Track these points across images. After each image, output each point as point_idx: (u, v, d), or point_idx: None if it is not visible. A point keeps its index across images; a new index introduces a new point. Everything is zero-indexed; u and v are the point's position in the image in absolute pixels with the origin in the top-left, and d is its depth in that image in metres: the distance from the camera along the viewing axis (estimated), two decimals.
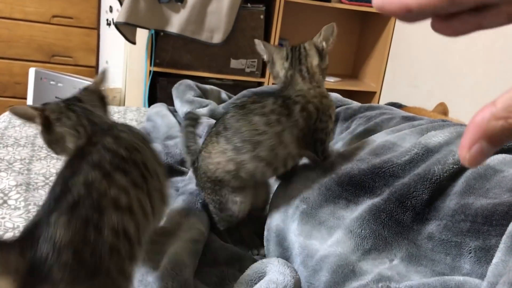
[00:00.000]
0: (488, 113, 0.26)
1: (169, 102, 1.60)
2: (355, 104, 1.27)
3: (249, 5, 2.48)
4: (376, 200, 0.77)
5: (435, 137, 0.84)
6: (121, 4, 2.27)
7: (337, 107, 1.25)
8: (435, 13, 0.29)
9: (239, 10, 2.38)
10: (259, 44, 0.93)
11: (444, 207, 0.73)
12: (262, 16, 2.51)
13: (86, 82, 2.62)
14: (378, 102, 2.84)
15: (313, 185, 0.84)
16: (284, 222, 0.83)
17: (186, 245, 0.76)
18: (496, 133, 0.26)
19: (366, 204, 0.77)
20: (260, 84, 2.64)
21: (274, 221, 0.85)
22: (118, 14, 2.26)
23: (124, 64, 2.65)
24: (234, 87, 2.42)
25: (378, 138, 0.94)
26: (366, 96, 2.91)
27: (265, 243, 0.87)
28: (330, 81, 2.87)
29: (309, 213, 0.80)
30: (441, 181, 0.75)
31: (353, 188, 0.81)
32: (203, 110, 1.39)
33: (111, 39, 2.78)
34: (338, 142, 1.12)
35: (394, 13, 0.29)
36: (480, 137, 0.27)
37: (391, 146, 0.88)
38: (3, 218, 0.89)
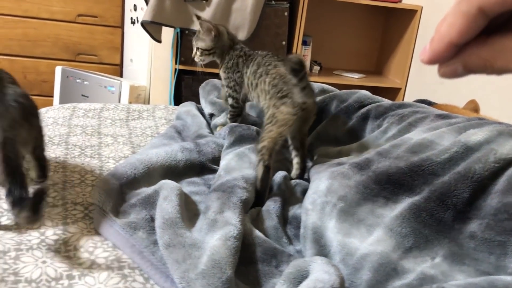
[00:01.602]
0: (476, 48, 0.31)
1: (194, 99, 1.63)
2: (386, 101, 1.25)
3: (273, 2, 2.48)
4: (416, 198, 0.76)
5: (475, 136, 0.83)
6: (147, 3, 2.29)
7: (367, 104, 1.24)
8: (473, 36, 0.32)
9: (264, 7, 2.38)
10: (204, 23, 1.25)
11: (486, 205, 0.73)
12: (286, 13, 2.50)
13: (111, 80, 2.65)
14: (403, 99, 2.81)
15: (350, 184, 0.83)
16: (321, 220, 0.82)
17: (225, 242, 0.76)
18: (472, 66, 0.32)
19: (405, 203, 0.77)
20: None
21: (311, 218, 0.85)
22: (144, 13, 2.28)
23: (148, 62, 2.68)
24: None
25: (415, 136, 0.93)
26: (390, 93, 2.88)
27: (301, 241, 0.87)
28: (354, 77, 2.85)
29: (347, 211, 0.80)
30: (482, 180, 0.74)
31: (392, 186, 0.80)
32: (220, 120, 1.39)
33: (135, 37, 2.80)
34: (370, 141, 1.11)
35: (445, 53, 0.32)
36: (459, 61, 0.32)
37: (429, 144, 0.87)
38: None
